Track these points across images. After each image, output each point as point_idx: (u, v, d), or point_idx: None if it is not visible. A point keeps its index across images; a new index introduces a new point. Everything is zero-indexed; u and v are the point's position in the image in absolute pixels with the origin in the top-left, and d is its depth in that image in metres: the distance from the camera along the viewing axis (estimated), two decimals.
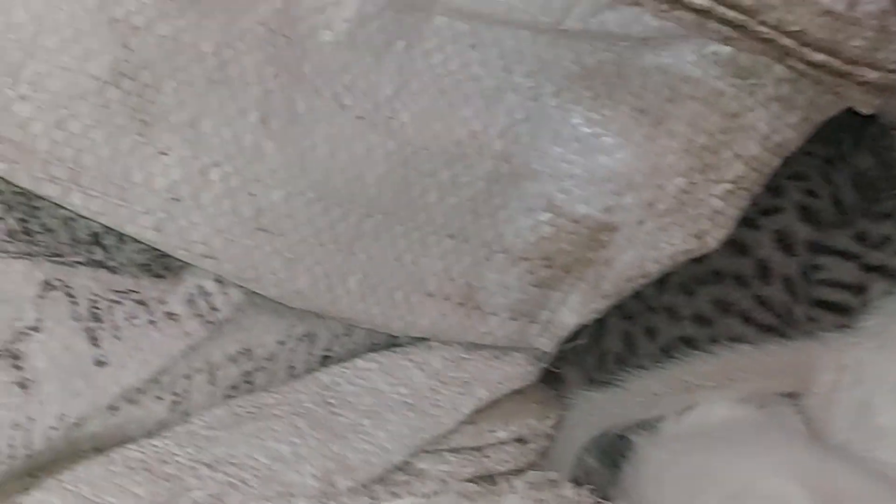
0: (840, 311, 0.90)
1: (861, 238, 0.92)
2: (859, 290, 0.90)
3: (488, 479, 0.80)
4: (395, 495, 0.70)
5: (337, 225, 0.78)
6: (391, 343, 0.85)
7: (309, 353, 0.81)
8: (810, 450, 0.89)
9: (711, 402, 0.91)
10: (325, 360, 0.82)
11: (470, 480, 0.80)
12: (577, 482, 0.86)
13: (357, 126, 0.78)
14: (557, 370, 0.94)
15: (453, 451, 0.81)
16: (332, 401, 0.78)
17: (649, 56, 0.82)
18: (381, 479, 0.76)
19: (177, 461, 0.69)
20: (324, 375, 0.80)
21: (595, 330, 0.92)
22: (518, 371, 0.88)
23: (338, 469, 0.73)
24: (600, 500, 0.83)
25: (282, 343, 0.79)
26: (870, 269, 0.91)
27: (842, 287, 0.90)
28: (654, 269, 0.87)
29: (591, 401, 0.92)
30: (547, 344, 0.89)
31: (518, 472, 0.83)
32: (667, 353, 0.91)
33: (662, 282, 0.91)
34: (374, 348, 0.85)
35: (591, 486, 0.86)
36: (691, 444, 0.89)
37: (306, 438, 0.74)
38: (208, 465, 0.69)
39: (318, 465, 0.73)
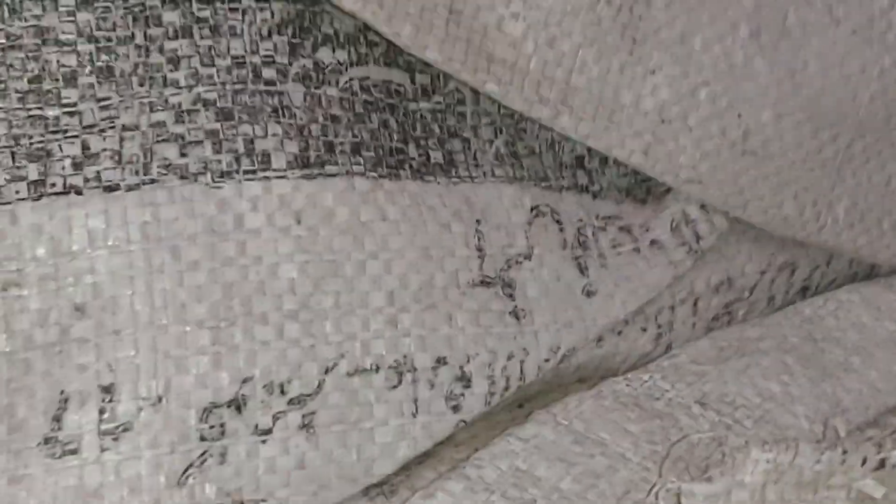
0: None
1: None
2: None
3: None
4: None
5: (826, 148, 0.73)
6: (871, 274, 0.79)
7: (788, 284, 0.76)
8: None
9: None
10: (804, 292, 0.77)
11: None
12: None
13: (851, 41, 0.72)
14: None
15: None
16: (818, 336, 0.73)
17: None
18: (875, 423, 0.70)
19: (667, 397, 0.66)
20: (805, 307, 0.75)
21: None
22: None
23: (832, 411, 0.68)
24: None
25: (762, 273, 0.74)
26: None
27: None
28: None
29: None
30: None
31: None
32: None
33: None
34: (853, 279, 0.79)
35: None
36: None
37: (796, 377, 0.69)
38: (700, 403, 0.66)
39: (811, 405, 0.68)
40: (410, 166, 0.64)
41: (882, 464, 0.64)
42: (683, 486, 0.59)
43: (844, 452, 0.63)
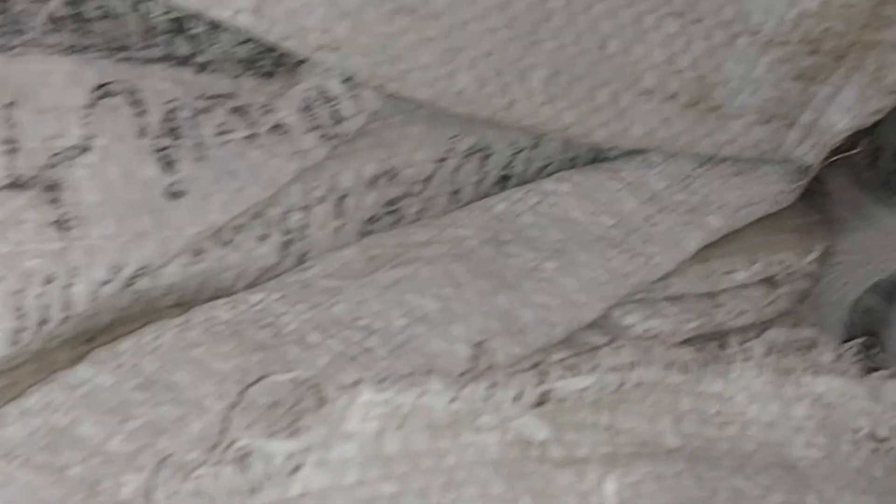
0: None
1: None
2: None
3: (717, 337, 0.60)
4: (572, 370, 0.51)
5: (512, 3, 0.58)
6: (594, 158, 0.65)
7: (481, 174, 0.62)
8: None
9: None
10: (504, 182, 0.63)
11: (691, 340, 0.60)
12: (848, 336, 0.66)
13: None
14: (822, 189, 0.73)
15: (672, 299, 0.62)
16: (506, 236, 0.59)
17: None
18: (569, 343, 0.57)
19: (282, 323, 0.52)
20: (498, 202, 0.61)
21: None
22: (768, 191, 0.68)
23: (503, 330, 0.54)
24: (872, 365, 0.62)
25: (441, 160, 0.60)
26: None
27: None
28: None
29: (872, 223, 0.71)
30: (809, 154, 0.68)
31: (761, 327, 0.62)
32: None
33: None
34: (572, 164, 0.65)
35: (865, 339, 0.65)
36: None
37: (463, 289, 0.55)
38: (321, 329, 0.51)
39: (475, 325, 0.54)
40: None
41: (546, 397, 0.51)
42: (256, 442, 0.45)
43: (492, 385, 0.50)
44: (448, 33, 0.57)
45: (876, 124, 0.74)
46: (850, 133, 0.68)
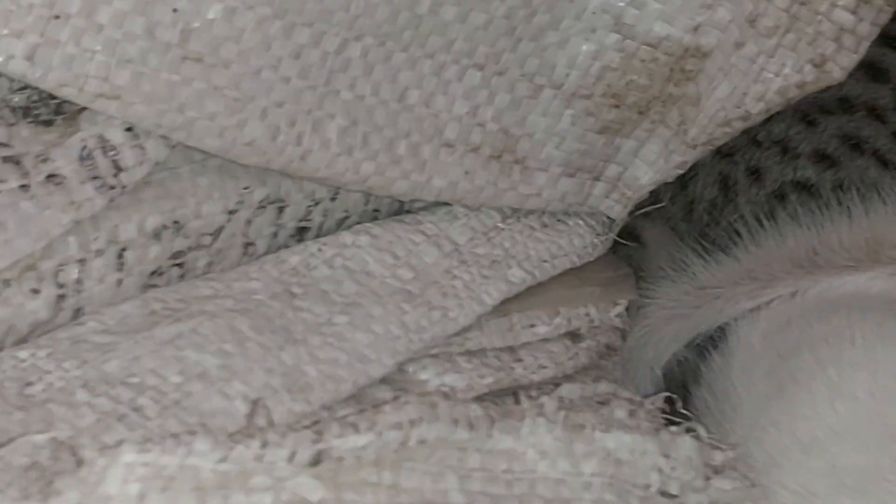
0: None
1: None
2: None
3: (512, 395, 0.59)
4: (352, 427, 0.50)
5: (307, 52, 0.57)
6: (397, 210, 0.65)
7: (276, 226, 0.61)
8: None
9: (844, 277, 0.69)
10: (302, 234, 0.62)
11: (487, 396, 0.59)
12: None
13: None
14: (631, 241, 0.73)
15: (470, 354, 0.61)
16: (298, 290, 0.58)
17: None
18: (357, 399, 0.55)
19: (48, 381, 0.50)
20: (292, 255, 0.60)
21: (682, 174, 0.70)
22: (574, 244, 0.67)
23: (285, 386, 0.53)
24: (671, 417, 0.62)
25: (232, 212, 0.59)
26: None
27: None
28: (757, 109, 0.65)
29: (686, 276, 0.72)
30: (615, 209, 0.68)
31: (561, 382, 0.62)
32: (776, 199, 0.69)
33: None
34: (373, 217, 0.64)
35: (667, 396, 0.64)
36: (812, 318, 0.68)
37: (246, 345, 0.54)
38: (89, 387, 0.50)
39: (255, 382, 0.53)
40: None
41: (322, 456, 0.49)
42: None
43: (265, 445, 0.48)
44: (238, 82, 0.56)
45: (691, 176, 0.74)
46: (654, 187, 0.68)
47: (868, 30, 0.63)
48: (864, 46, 0.63)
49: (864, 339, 0.65)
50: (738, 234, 0.71)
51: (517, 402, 0.58)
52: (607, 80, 0.65)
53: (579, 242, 0.67)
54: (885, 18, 0.63)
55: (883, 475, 0.59)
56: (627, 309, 0.69)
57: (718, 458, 0.59)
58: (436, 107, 0.62)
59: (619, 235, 0.70)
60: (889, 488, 0.59)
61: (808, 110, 0.73)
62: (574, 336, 0.65)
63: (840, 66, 0.63)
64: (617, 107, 0.66)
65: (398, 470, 0.52)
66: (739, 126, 0.65)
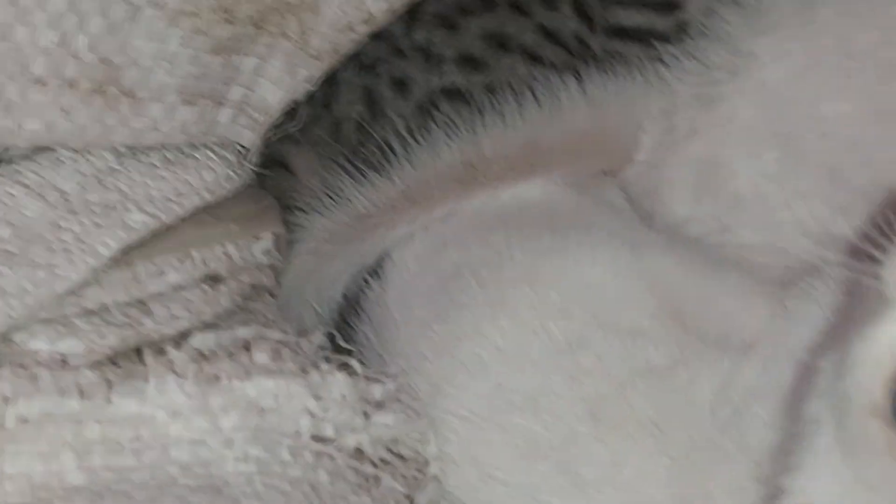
0: (646, 38, 0.63)
1: None
2: (669, 6, 0.63)
3: (136, 352, 0.52)
4: None
5: None
6: None
7: None
8: (643, 239, 0.64)
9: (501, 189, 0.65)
10: None
11: (113, 358, 0.52)
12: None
13: None
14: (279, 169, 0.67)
15: (89, 313, 0.53)
16: None
17: None
18: None
19: None
20: None
21: (323, 92, 0.64)
22: (205, 179, 0.60)
23: None
24: (332, 354, 0.56)
25: None
26: None
27: (645, 6, 0.63)
28: (381, 9, 0.59)
29: (341, 204, 0.66)
30: (246, 135, 0.61)
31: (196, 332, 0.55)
32: (425, 110, 0.64)
33: (412, 15, 0.66)
34: None
35: (325, 333, 0.59)
36: (469, 238, 0.64)
37: None
38: None
39: None
40: None
41: None
42: None
43: None
44: None
45: (333, 94, 0.69)
46: (285, 107, 0.62)
47: None
48: None
49: (522, 255, 0.61)
50: (393, 150, 0.66)
51: (141, 360, 0.51)
52: None
53: (210, 177, 0.61)
54: None
55: (552, 389, 0.56)
56: (278, 244, 0.63)
57: (378, 392, 0.54)
58: (16, 38, 0.54)
59: (263, 165, 0.64)
60: (559, 403, 0.55)
61: (448, 13, 0.68)
62: (213, 279, 0.59)
63: None
64: (230, 22, 0.59)
65: (1, 455, 0.45)
66: (364, 30, 0.60)
